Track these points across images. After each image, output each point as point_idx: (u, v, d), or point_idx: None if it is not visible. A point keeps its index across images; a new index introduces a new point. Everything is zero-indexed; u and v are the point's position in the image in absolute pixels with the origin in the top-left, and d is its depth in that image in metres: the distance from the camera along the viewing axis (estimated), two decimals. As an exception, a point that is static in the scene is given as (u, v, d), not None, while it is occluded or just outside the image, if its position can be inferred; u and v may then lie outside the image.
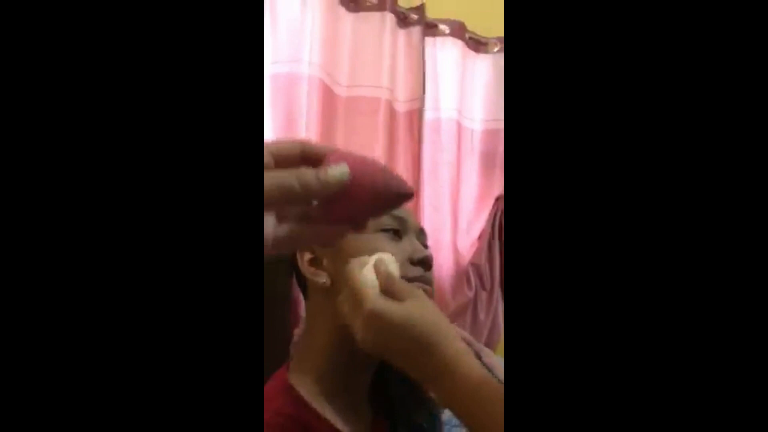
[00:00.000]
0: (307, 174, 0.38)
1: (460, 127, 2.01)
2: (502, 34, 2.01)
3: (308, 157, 0.42)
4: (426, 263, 0.65)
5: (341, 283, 0.59)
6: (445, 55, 1.97)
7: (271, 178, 0.38)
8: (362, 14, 1.73)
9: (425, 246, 0.69)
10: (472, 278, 1.99)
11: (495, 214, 2.01)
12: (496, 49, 2.02)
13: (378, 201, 0.43)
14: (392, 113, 1.75)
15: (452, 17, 1.97)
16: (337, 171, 0.39)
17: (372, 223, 0.59)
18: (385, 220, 0.67)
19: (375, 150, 1.70)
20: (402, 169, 1.78)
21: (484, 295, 2.07)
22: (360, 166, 0.42)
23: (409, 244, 0.67)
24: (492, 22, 2.03)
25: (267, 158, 0.40)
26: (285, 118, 1.59)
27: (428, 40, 1.91)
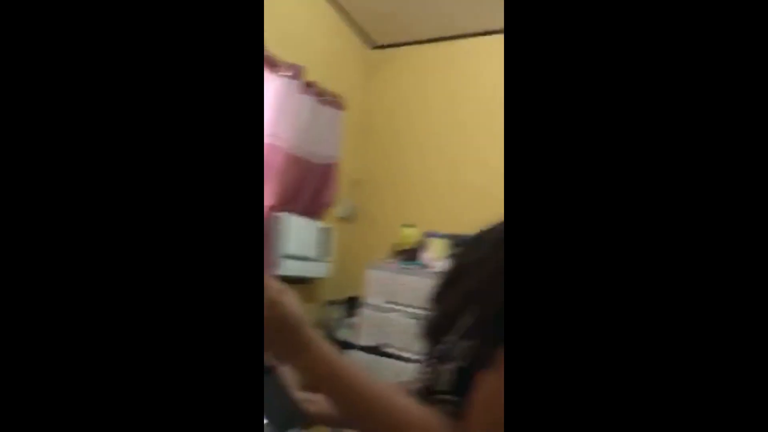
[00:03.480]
0: None
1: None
2: (294, 60, 2.20)
3: None
4: None
5: None
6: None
7: None
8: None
9: None
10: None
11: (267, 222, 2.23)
12: (288, 74, 2.20)
13: None
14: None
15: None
16: None
17: None
18: None
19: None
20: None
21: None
22: None
23: None
24: (287, 46, 2.19)
25: None
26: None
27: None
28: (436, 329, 0.66)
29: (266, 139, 2.19)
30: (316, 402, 0.73)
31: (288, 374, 0.72)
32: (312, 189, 2.38)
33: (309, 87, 2.29)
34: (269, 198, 2.23)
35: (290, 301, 0.55)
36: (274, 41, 2.11)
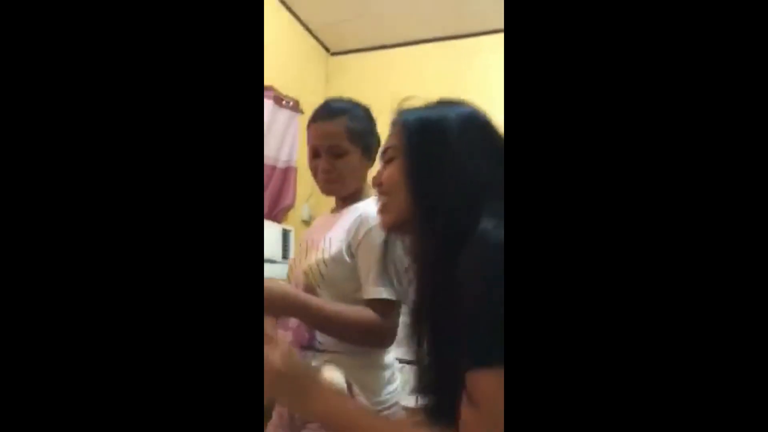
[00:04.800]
0: None
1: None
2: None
3: None
4: None
5: None
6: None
7: None
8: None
9: None
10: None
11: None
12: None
13: None
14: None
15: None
16: None
17: None
18: None
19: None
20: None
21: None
22: None
23: None
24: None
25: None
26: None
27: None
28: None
29: (226, 143, 2.20)
30: None
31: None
32: (273, 192, 2.39)
33: (267, 90, 2.30)
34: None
35: (285, 353, 0.59)
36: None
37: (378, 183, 0.72)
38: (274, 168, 2.42)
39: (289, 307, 0.92)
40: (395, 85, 2.84)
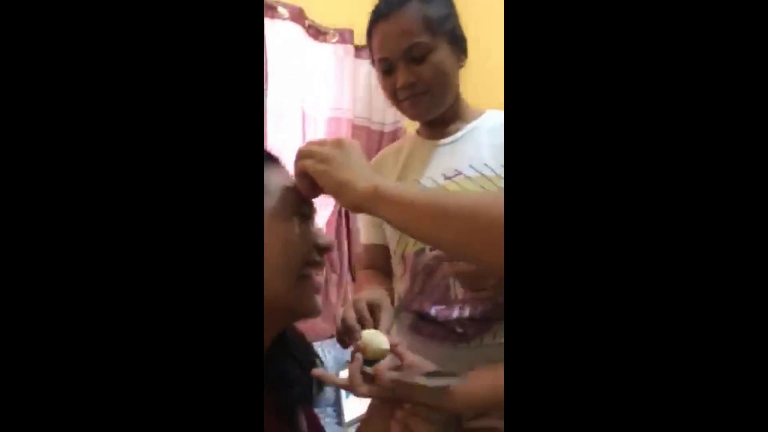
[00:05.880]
0: None
1: (304, 114, 2.01)
2: (341, 25, 2.09)
3: None
4: (327, 249, 0.67)
5: None
6: (283, 39, 1.92)
7: None
8: None
9: None
10: (325, 263, 2.05)
11: (344, 200, 2.11)
12: (334, 40, 2.08)
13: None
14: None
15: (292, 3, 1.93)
16: None
17: (288, 206, 0.62)
18: (302, 206, 0.65)
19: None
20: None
21: (334, 277, 2.16)
22: None
23: (314, 229, 0.68)
24: (331, 12, 2.08)
25: None
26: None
27: (267, 22, 1.83)
28: None
29: (330, 113, 2.09)
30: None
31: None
32: (384, 158, 2.25)
33: (361, 50, 2.15)
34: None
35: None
36: (319, 9, 2.01)
37: None
38: (381, 134, 2.27)
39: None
40: (489, 28, 2.56)
